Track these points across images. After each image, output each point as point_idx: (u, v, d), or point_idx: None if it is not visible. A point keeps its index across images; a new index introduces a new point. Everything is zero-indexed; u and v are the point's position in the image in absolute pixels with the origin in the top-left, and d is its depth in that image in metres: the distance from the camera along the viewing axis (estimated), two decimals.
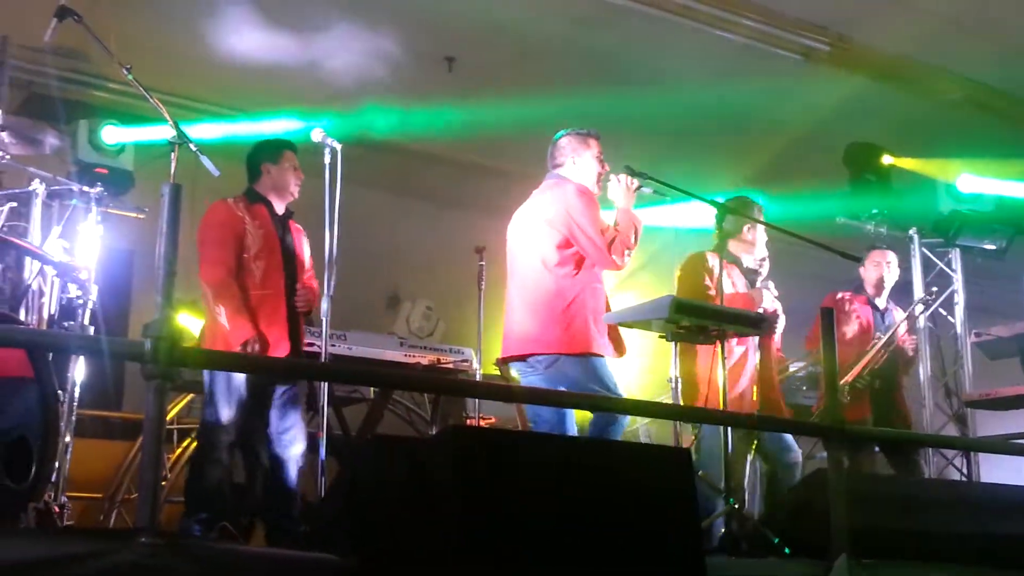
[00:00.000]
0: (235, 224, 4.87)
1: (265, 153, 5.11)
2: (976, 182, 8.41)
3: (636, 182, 4.79)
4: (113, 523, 6.10)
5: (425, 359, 6.08)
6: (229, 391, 4.71)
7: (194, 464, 4.94)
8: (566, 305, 4.59)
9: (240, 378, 4.70)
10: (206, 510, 4.67)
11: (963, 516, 4.45)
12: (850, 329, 6.26)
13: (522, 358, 4.68)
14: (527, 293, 4.71)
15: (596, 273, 4.73)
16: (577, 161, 4.87)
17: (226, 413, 4.70)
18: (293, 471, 4.87)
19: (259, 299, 4.83)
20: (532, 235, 4.75)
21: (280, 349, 4.81)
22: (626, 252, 4.65)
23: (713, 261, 5.05)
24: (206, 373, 4.81)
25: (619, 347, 4.73)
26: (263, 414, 4.87)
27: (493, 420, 6.96)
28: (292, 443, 4.89)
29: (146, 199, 6.62)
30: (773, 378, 5.36)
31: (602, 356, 4.61)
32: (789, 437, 5.32)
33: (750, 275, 5.39)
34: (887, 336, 6.14)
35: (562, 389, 4.54)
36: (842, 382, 5.92)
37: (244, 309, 4.75)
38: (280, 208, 5.07)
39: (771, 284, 5.43)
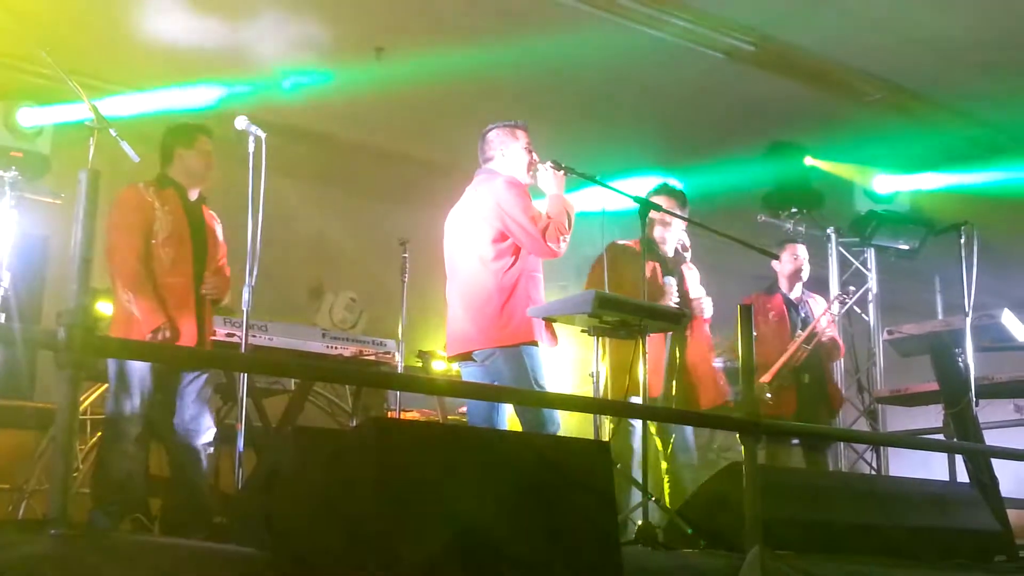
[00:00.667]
0: (144, 209, 4.79)
1: (178, 137, 5.01)
2: (891, 181, 8.64)
3: (564, 170, 4.83)
4: (23, 514, 5.96)
5: (347, 351, 6.05)
6: (135, 380, 4.64)
7: (100, 455, 4.86)
8: (504, 300, 4.64)
9: (145, 367, 4.63)
10: (112, 501, 4.60)
11: (872, 509, 4.58)
12: (768, 326, 6.39)
13: (464, 356, 4.74)
14: (466, 290, 4.76)
15: (534, 262, 4.77)
16: (506, 153, 4.90)
17: (131, 403, 4.63)
18: (199, 461, 4.83)
19: (167, 286, 4.75)
20: (467, 232, 4.79)
21: (188, 338, 4.74)
22: (561, 238, 4.68)
23: (631, 251, 5.17)
24: (111, 362, 4.71)
25: (553, 337, 4.78)
26: (170, 403, 4.80)
27: (414, 413, 6.96)
28: (199, 433, 4.85)
29: (63, 184, 6.49)
30: (701, 367, 5.46)
31: (537, 344, 4.66)
32: (691, 438, 5.42)
33: (671, 264, 5.52)
34: (806, 333, 6.28)
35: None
36: (764, 379, 6.06)
37: (153, 296, 4.68)
38: (193, 194, 4.99)
39: (694, 269, 5.56)
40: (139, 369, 4.64)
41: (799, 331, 6.35)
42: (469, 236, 4.77)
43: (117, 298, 4.75)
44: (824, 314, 6.45)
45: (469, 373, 4.78)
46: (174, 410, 4.82)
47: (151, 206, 4.80)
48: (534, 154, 4.91)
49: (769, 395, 6.07)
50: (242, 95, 7.00)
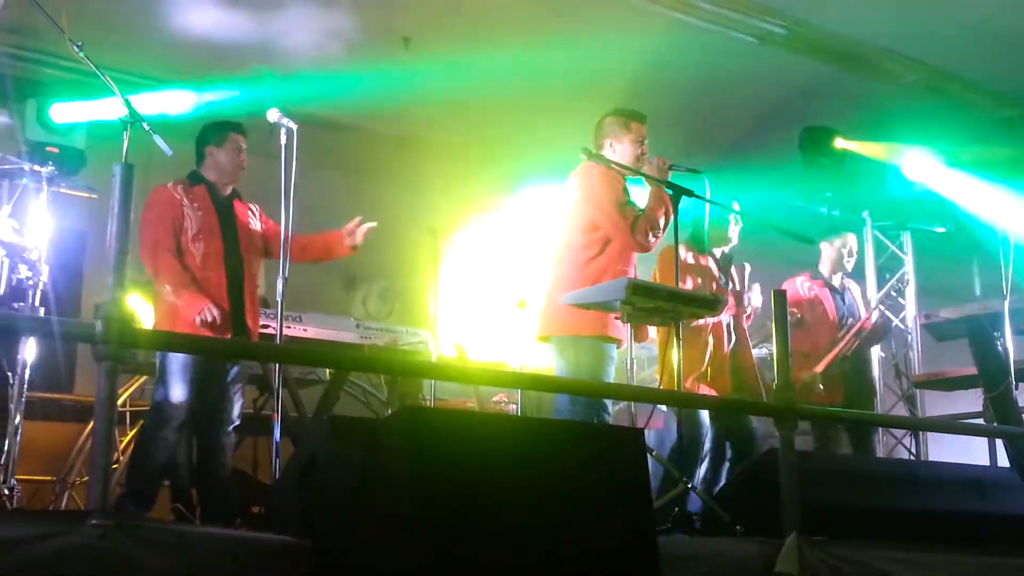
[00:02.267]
0: (172, 206, 4.87)
1: (209, 135, 5.08)
2: (926, 166, 8.54)
3: (668, 163, 4.82)
4: (64, 506, 6.04)
5: (381, 340, 6.06)
6: (183, 370, 4.69)
7: (139, 442, 4.93)
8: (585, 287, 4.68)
9: (189, 357, 4.69)
10: (144, 489, 4.66)
11: (911, 494, 4.53)
12: (815, 315, 6.36)
13: (547, 339, 4.82)
14: (552, 273, 4.85)
15: (626, 258, 4.79)
16: (615, 146, 4.93)
17: (178, 392, 4.69)
18: (225, 449, 4.93)
19: (200, 280, 4.83)
20: (561, 217, 4.88)
21: (222, 329, 4.79)
22: (651, 233, 4.72)
23: (685, 254, 5.21)
24: (157, 352, 4.78)
25: (639, 333, 4.83)
26: (211, 394, 4.85)
27: (451, 402, 6.97)
28: (228, 422, 4.94)
29: (98, 179, 6.54)
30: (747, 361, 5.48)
31: (614, 340, 4.69)
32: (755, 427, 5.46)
33: (723, 261, 5.59)
34: (858, 325, 6.27)
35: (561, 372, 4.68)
36: (817, 369, 6.07)
37: (191, 282, 4.76)
38: (224, 190, 5.04)
39: (746, 265, 5.60)
40: (182, 359, 4.70)
41: (846, 318, 6.33)
42: (562, 221, 4.86)
43: (158, 293, 4.81)
44: (873, 310, 6.45)
45: (553, 361, 4.85)
46: (212, 400, 4.87)
47: (179, 203, 4.88)
48: (644, 146, 4.91)
49: (822, 386, 6.07)
50: (273, 86, 7.01)
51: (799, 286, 6.41)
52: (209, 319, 4.66)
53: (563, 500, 3.03)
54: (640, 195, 4.91)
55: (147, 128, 4.57)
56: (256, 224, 5.15)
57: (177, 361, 4.71)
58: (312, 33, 6.98)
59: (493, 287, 8.18)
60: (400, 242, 8.07)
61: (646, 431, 4.30)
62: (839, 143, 8.43)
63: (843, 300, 6.48)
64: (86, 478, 5.84)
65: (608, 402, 4.71)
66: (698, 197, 4.90)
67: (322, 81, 7.28)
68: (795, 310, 6.19)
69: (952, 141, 8.55)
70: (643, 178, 4.86)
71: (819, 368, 6.11)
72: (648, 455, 4.00)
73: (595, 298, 4.56)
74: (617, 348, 4.78)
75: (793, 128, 8.34)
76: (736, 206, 5.47)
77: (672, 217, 4.72)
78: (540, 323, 4.87)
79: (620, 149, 4.91)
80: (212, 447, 4.89)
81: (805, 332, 6.25)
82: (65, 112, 6.84)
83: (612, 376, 4.76)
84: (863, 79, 7.96)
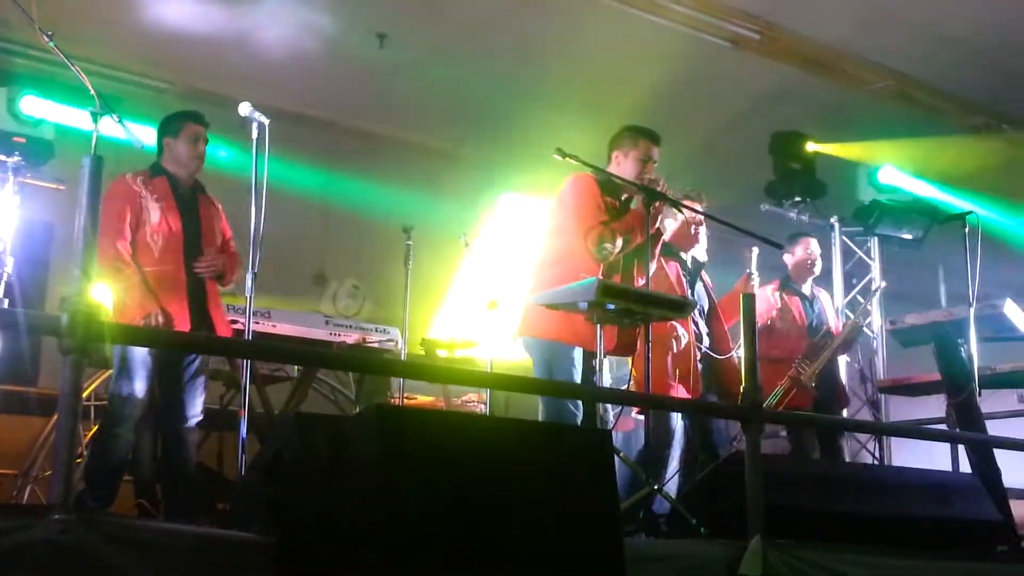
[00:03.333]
0: (131, 199, 4.80)
1: (165, 127, 5.03)
2: (896, 176, 8.63)
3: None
4: (27, 500, 5.98)
5: (350, 338, 6.05)
6: (136, 365, 4.65)
7: (97, 438, 4.89)
8: (540, 291, 4.71)
9: (146, 352, 4.66)
10: (104, 484, 4.62)
11: (875, 498, 4.57)
12: (785, 323, 6.39)
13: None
14: (532, 275, 4.93)
15: (591, 266, 4.76)
16: (621, 159, 4.98)
17: (138, 386, 4.65)
18: (187, 444, 4.88)
19: (157, 275, 4.77)
20: (542, 220, 5.03)
21: (180, 324, 4.75)
22: (602, 243, 4.71)
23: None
24: (115, 347, 4.73)
25: (608, 341, 4.72)
26: (170, 388, 4.81)
27: (418, 400, 6.96)
28: (190, 417, 4.88)
29: (66, 170, 6.48)
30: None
31: (575, 344, 4.71)
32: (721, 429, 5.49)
33: (692, 267, 5.60)
34: (841, 338, 6.36)
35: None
36: (812, 370, 6.14)
37: (142, 284, 4.71)
38: (186, 182, 4.99)
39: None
40: (140, 354, 4.66)
41: (816, 325, 6.38)
42: (541, 224, 4.98)
43: (112, 286, 4.76)
44: (858, 315, 6.54)
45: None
46: (172, 394, 4.83)
47: (137, 195, 4.81)
48: (649, 165, 4.93)
49: (814, 384, 6.14)
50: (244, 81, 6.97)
51: (769, 294, 6.44)
52: (154, 324, 4.62)
53: (530, 500, 3.03)
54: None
55: (117, 119, 4.53)
56: (219, 220, 5.10)
57: (136, 356, 4.66)
58: (287, 27, 6.95)
59: (465, 286, 8.18)
60: (372, 239, 8.08)
61: (614, 433, 4.31)
62: (810, 147, 8.50)
63: (812, 307, 6.53)
64: (49, 472, 5.79)
65: (577, 408, 4.72)
66: (669, 201, 4.93)
67: (296, 75, 7.26)
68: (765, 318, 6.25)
69: (920, 148, 8.64)
70: (622, 182, 4.88)
71: (813, 369, 6.16)
72: (616, 457, 4.01)
73: (564, 299, 4.56)
74: (584, 352, 4.77)
75: (764, 132, 8.39)
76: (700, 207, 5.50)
77: (642, 238, 4.72)
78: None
79: (624, 163, 4.96)
80: (175, 441, 4.85)
81: (776, 338, 6.29)
82: (36, 106, 6.76)
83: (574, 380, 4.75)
84: (834, 84, 8.03)
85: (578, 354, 4.77)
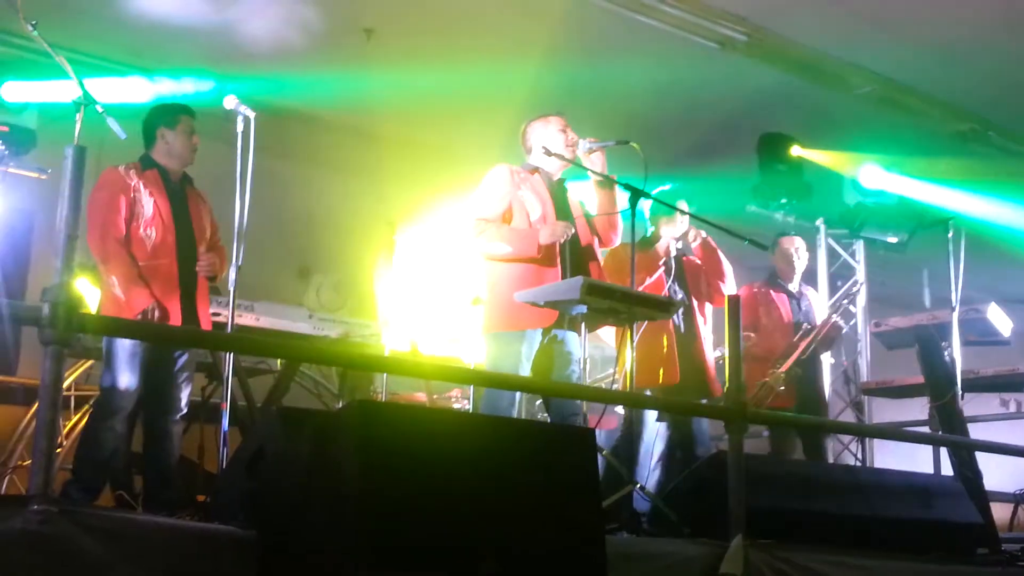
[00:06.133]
0: (124, 191, 4.76)
1: (161, 117, 4.98)
2: (880, 177, 8.65)
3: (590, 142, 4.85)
4: (5, 490, 5.95)
5: (334, 332, 6.03)
6: (125, 358, 4.62)
7: (86, 430, 4.85)
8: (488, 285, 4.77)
9: (136, 344, 4.63)
10: (92, 477, 4.59)
11: (856, 499, 4.59)
12: (771, 320, 6.41)
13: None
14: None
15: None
16: (539, 143, 4.93)
17: (125, 379, 4.61)
18: (172, 437, 4.85)
19: (151, 268, 4.73)
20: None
21: (174, 319, 4.74)
22: (480, 238, 4.72)
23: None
24: (104, 339, 4.71)
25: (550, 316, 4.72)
26: (159, 382, 4.79)
27: (402, 396, 6.95)
28: (176, 411, 4.86)
29: (49, 160, 6.43)
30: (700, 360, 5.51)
31: (524, 330, 4.67)
32: (707, 430, 5.50)
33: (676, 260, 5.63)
34: (817, 329, 6.32)
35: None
36: (782, 369, 6.12)
37: (138, 278, 4.67)
38: (176, 175, 4.97)
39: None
40: (130, 347, 4.63)
41: (803, 323, 6.39)
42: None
43: (103, 281, 4.73)
44: (832, 315, 6.52)
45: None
46: (160, 387, 4.81)
47: (131, 188, 4.77)
48: (569, 134, 4.92)
49: (783, 387, 6.12)
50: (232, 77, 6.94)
51: (755, 291, 6.47)
52: (151, 318, 4.59)
53: (512, 497, 3.02)
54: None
55: (101, 111, 4.50)
56: (208, 214, 5.08)
57: (124, 348, 4.63)
58: (272, 21, 6.91)
59: (449, 283, 8.16)
60: (356, 234, 8.05)
61: (597, 431, 4.30)
62: (795, 151, 8.52)
63: (799, 306, 6.55)
64: (27, 462, 5.76)
65: (515, 400, 4.72)
66: (647, 196, 4.92)
67: (281, 70, 7.23)
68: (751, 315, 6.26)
69: (906, 153, 8.67)
70: (588, 172, 4.89)
71: (783, 369, 6.16)
72: (599, 455, 4.01)
73: (549, 297, 4.55)
74: (535, 336, 4.71)
75: (750, 134, 8.40)
76: (683, 205, 5.51)
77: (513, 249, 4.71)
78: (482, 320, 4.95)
79: (549, 143, 4.91)
80: (159, 435, 4.82)
81: (760, 335, 6.30)
82: (17, 91, 6.72)
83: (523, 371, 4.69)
84: (820, 88, 8.04)
85: (521, 344, 4.69)
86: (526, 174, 4.90)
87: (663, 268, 5.56)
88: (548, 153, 4.87)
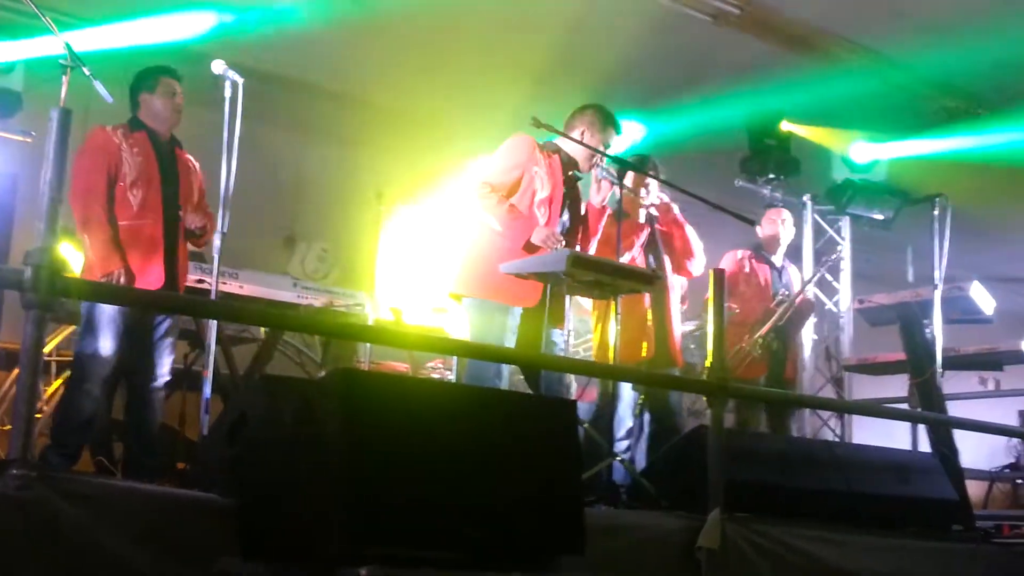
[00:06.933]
0: (110, 151, 4.72)
1: (141, 82, 4.94)
2: (869, 149, 8.66)
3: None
4: None
5: (318, 301, 6.02)
6: (104, 322, 4.60)
7: (64, 395, 4.84)
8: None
9: (115, 309, 4.59)
10: (70, 442, 4.58)
11: (834, 475, 4.63)
12: (750, 288, 6.45)
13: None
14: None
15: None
16: (587, 136, 4.91)
17: (106, 344, 4.59)
18: (154, 404, 4.83)
19: (135, 229, 4.69)
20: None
21: (153, 280, 4.69)
22: (481, 201, 4.69)
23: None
24: (83, 303, 4.68)
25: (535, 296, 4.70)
26: (138, 347, 4.78)
27: (386, 366, 6.95)
28: (158, 377, 4.84)
29: (34, 122, 6.38)
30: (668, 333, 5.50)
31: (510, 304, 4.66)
32: (679, 400, 5.52)
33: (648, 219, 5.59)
34: (793, 296, 6.35)
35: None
36: (756, 336, 6.14)
37: (111, 240, 4.62)
38: (164, 136, 4.93)
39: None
40: (109, 311, 4.60)
41: (781, 293, 6.42)
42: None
43: (80, 239, 4.71)
44: (807, 284, 6.54)
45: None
46: (140, 353, 4.79)
47: (118, 148, 4.73)
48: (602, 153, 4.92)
49: (759, 352, 6.15)
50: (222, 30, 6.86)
51: (738, 258, 6.50)
52: (115, 282, 4.56)
53: (493, 468, 3.04)
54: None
55: (88, 73, 4.46)
56: (196, 177, 5.05)
57: (104, 312, 4.60)
58: None
59: (435, 254, 8.16)
60: (343, 203, 8.03)
61: (579, 403, 4.32)
62: (785, 126, 8.52)
63: (780, 277, 6.58)
64: (7, 426, 5.74)
65: (503, 371, 4.68)
66: (632, 167, 4.94)
67: (268, 33, 7.15)
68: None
69: (895, 129, 8.68)
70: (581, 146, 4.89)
71: (760, 334, 6.19)
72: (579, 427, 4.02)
73: (535, 268, 4.55)
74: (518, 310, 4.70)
75: (741, 108, 8.39)
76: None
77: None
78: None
79: (590, 141, 4.91)
80: (141, 401, 4.81)
81: (739, 302, 6.34)
82: (2, 51, 6.63)
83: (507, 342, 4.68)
84: (812, 62, 8.02)
85: (515, 314, 4.70)
86: (548, 152, 4.88)
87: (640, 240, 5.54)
88: (580, 143, 4.86)
